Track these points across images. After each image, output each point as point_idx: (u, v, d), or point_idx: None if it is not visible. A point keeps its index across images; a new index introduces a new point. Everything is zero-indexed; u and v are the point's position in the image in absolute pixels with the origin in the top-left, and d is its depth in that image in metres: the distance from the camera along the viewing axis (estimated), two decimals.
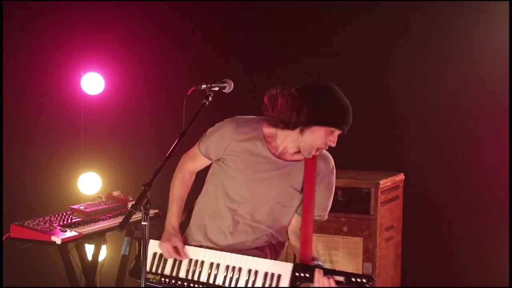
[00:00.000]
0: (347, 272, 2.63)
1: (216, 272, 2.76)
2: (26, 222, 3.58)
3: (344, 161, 4.53)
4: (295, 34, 4.77)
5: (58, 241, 3.43)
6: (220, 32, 4.96)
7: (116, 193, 4.25)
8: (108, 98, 5.17)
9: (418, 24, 4.46)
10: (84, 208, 3.90)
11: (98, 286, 4.19)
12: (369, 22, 4.58)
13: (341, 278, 2.59)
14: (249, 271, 2.72)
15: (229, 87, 2.98)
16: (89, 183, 5.11)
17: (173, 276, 2.82)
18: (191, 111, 2.79)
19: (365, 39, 4.59)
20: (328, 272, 2.62)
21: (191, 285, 2.78)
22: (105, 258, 4.55)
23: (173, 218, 2.95)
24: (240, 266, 2.74)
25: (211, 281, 2.76)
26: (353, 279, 2.57)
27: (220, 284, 2.74)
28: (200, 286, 2.77)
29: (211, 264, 2.79)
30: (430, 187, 4.46)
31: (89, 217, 3.82)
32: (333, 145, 2.82)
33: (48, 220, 3.66)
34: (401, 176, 4.22)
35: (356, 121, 4.64)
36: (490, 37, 4.27)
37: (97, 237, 3.70)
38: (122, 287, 4.19)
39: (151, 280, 2.82)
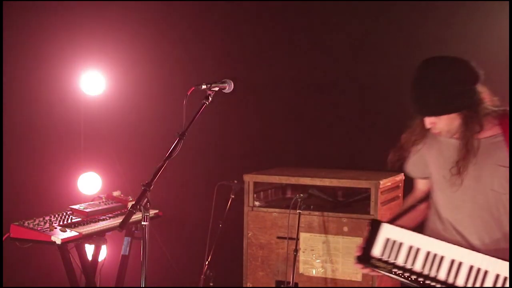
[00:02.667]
0: None
1: (456, 272, 2.49)
2: (26, 222, 3.58)
3: (344, 161, 4.56)
4: (295, 34, 4.77)
5: (58, 241, 3.43)
6: (220, 32, 4.96)
7: (116, 193, 4.25)
8: (108, 98, 5.18)
9: (417, 24, 4.45)
10: (84, 208, 3.90)
11: (98, 286, 4.18)
12: (369, 22, 4.58)
13: None
14: (497, 276, 2.43)
15: (229, 87, 2.99)
16: (89, 183, 5.11)
17: (407, 269, 2.55)
18: (191, 111, 2.79)
19: (365, 39, 4.59)
20: None
21: (427, 282, 2.50)
22: (105, 258, 4.55)
23: None
24: (487, 269, 2.46)
25: (450, 281, 2.48)
26: None
27: (460, 286, 2.47)
28: (438, 285, 2.48)
29: (452, 261, 2.51)
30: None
31: (89, 217, 3.82)
32: (431, 130, 2.66)
33: (48, 220, 3.66)
34: (401, 176, 4.21)
35: (356, 121, 4.68)
36: (490, 37, 4.27)
37: (97, 237, 3.70)
38: (122, 287, 4.19)
39: (380, 268, 2.59)
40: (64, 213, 3.85)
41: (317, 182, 3.98)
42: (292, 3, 4.73)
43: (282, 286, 3.92)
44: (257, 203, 4.09)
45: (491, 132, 2.63)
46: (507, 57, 4.19)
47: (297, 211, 3.78)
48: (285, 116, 4.84)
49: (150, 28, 5.07)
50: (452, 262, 2.51)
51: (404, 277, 2.53)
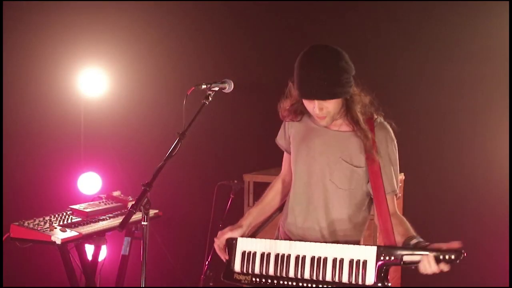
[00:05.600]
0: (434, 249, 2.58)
1: (302, 265, 2.62)
2: (26, 222, 3.58)
3: None
4: (295, 34, 4.77)
5: (58, 241, 3.43)
6: (220, 32, 4.96)
7: (116, 193, 4.26)
8: (108, 98, 5.18)
9: (418, 24, 4.46)
10: (84, 208, 3.90)
11: (98, 286, 4.19)
12: (369, 22, 4.58)
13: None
14: (334, 260, 2.57)
15: (229, 87, 2.99)
16: (89, 183, 5.11)
17: (263, 275, 2.68)
18: (191, 111, 2.80)
19: (365, 39, 4.59)
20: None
21: (281, 282, 2.63)
22: (105, 258, 4.55)
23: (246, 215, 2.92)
24: (326, 256, 2.59)
25: (299, 276, 2.61)
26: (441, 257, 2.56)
27: (308, 277, 2.59)
28: (290, 282, 2.62)
29: (297, 257, 2.64)
30: (430, 187, 4.46)
31: (89, 217, 3.82)
32: (318, 113, 2.72)
33: (48, 220, 3.66)
34: (401, 176, 4.21)
35: None
36: (490, 37, 4.27)
37: (97, 237, 3.70)
38: (122, 287, 4.19)
39: (242, 281, 2.71)
40: (64, 213, 3.85)
41: None
42: (292, 3, 4.73)
43: None
44: None
45: (348, 128, 2.81)
46: (507, 57, 4.19)
47: None
48: None
49: (150, 28, 5.07)
50: (297, 257, 2.64)
51: (262, 283, 2.66)
